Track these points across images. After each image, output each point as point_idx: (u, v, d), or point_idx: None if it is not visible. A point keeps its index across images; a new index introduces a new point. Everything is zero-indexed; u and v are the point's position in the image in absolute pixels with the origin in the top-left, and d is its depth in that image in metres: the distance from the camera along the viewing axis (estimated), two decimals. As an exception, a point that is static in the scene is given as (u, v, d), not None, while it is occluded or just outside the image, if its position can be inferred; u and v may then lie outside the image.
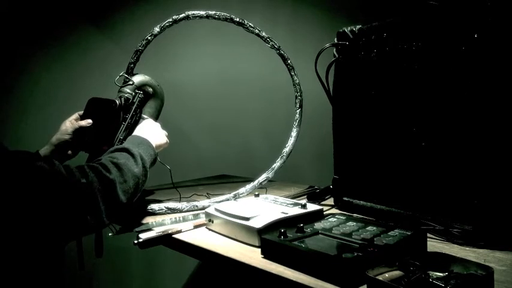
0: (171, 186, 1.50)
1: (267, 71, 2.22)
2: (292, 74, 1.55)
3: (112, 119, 1.33)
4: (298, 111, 1.54)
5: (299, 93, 1.54)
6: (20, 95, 1.99)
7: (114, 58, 1.99)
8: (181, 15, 1.48)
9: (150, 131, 1.26)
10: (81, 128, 1.30)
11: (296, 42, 2.38)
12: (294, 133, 1.54)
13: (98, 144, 1.31)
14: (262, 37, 1.53)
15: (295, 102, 1.54)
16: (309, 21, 2.43)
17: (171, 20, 1.47)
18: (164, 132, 1.33)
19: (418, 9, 1.09)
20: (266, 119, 2.30)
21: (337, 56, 1.32)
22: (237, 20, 1.51)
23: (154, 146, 1.21)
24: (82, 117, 1.33)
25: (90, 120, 1.31)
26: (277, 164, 1.51)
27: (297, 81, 1.54)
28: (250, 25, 1.52)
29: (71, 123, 1.31)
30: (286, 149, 1.53)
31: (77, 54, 2.08)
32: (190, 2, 2.15)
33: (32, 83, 2.01)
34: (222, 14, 1.51)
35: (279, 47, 1.54)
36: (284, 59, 1.55)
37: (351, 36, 1.27)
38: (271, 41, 1.53)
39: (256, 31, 1.52)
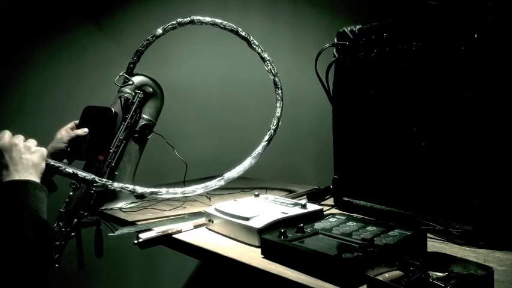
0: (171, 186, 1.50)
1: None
2: (278, 105, 1.49)
3: (108, 127, 1.33)
4: (263, 144, 1.46)
5: (275, 127, 1.46)
6: (17, 96, 1.99)
7: (114, 58, 1.99)
8: (186, 20, 1.46)
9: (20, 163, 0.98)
10: (77, 136, 1.29)
11: (296, 42, 2.38)
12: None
13: (94, 152, 1.30)
14: (262, 58, 1.50)
15: (268, 137, 1.46)
16: (309, 21, 2.43)
17: (175, 22, 1.46)
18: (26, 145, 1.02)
19: (418, 9, 1.09)
20: (266, 119, 2.29)
21: (337, 56, 1.32)
22: (243, 34, 1.48)
23: (36, 174, 1.00)
24: (78, 126, 1.32)
25: (86, 129, 1.30)
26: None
27: (278, 115, 1.48)
28: (254, 42, 1.49)
29: (66, 132, 1.30)
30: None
31: (76, 54, 2.07)
32: (191, 2, 2.15)
33: (30, 83, 2.00)
34: (229, 24, 1.48)
35: (276, 73, 1.49)
36: (276, 87, 1.50)
37: (351, 36, 1.27)
38: (271, 64, 1.49)
39: (259, 50, 1.50)
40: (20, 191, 0.93)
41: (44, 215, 0.93)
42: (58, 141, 1.27)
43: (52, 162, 1.08)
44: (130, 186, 1.22)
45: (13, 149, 0.97)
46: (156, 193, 1.26)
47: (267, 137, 1.46)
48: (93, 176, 1.14)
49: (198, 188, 1.31)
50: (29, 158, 0.99)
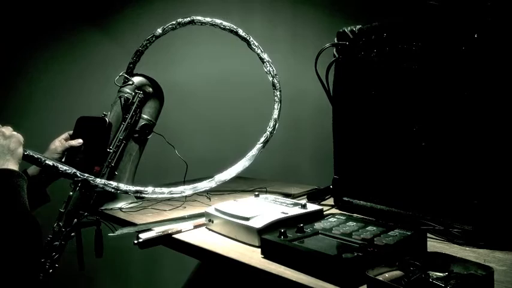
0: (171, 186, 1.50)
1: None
2: (276, 107, 1.49)
3: (103, 137, 1.32)
4: (259, 146, 1.46)
5: (271, 129, 1.47)
6: (18, 96, 1.99)
7: (114, 58, 1.99)
8: (186, 20, 1.45)
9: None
10: (72, 147, 1.27)
11: (296, 42, 2.38)
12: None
13: (89, 163, 1.29)
14: (262, 59, 1.50)
15: (263, 139, 1.46)
16: (309, 21, 2.43)
17: (175, 23, 1.46)
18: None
19: (418, 9, 1.09)
20: (266, 119, 2.30)
21: (337, 56, 1.32)
22: (243, 34, 1.48)
23: (14, 161, 0.98)
24: (72, 137, 1.30)
25: (81, 140, 1.28)
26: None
27: (275, 117, 1.48)
28: (254, 43, 1.49)
29: (60, 142, 1.28)
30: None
31: (76, 54, 2.08)
32: (191, 2, 2.15)
33: (31, 83, 2.01)
34: (228, 24, 1.47)
35: (275, 75, 1.49)
36: (275, 88, 1.51)
37: (351, 36, 1.27)
38: (270, 65, 1.49)
39: (258, 51, 1.49)
40: (1, 183, 0.90)
41: (26, 205, 0.90)
42: (52, 152, 1.26)
43: (31, 152, 1.04)
44: (114, 184, 1.17)
45: None
46: (141, 192, 1.21)
47: (262, 139, 1.45)
48: (74, 170, 1.11)
49: (187, 189, 1.29)
50: (5, 144, 0.96)
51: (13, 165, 0.95)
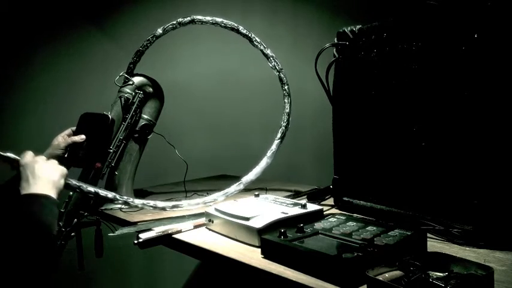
0: (167, 185, 1.50)
1: (267, 71, 2.22)
2: (286, 101, 1.50)
3: (105, 133, 1.33)
4: (277, 142, 1.48)
5: (286, 123, 1.48)
6: (18, 96, 1.99)
7: (114, 58, 1.99)
8: (187, 19, 1.45)
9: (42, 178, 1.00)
10: (74, 143, 1.28)
11: (296, 42, 2.38)
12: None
13: (91, 159, 1.30)
14: (266, 55, 1.49)
15: (280, 135, 1.49)
16: (309, 21, 2.43)
17: (175, 22, 1.45)
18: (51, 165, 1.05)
19: (418, 9, 1.09)
20: (266, 119, 2.30)
21: (337, 56, 1.32)
22: (244, 32, 1.48)
23: (54, 191, 1.01)
24: (75, 133, 1.30)
25: (83, 136, 1.28)
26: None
27: (287, 111, 1.50)
28: (256, 39, 1.49)
29: (63, 138, 1.28)
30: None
31: (76, 54, 2.08)
32: (191, 1, 2.15)
33: (31, 83, 2.00)
34: (229, 23, 1.47)
35: (281, 69, 1.49)
36: (282, 83, 1.51)
37: (351, 36, 1.27)
38: (274, 60, 1.49)
39: (261, 47, 1.49)
40: (37, 204, 0.95)
41: (54, 230, 0.95)
42: (55, 148, 1.26)
43: (73, 182, 1.11)
44: (152, 202, 1.26)
45: (35, 166, 0.99)
46: (177, 206, 1.30)
47: (279, 135, 1.48)
48: (114, 194, 1.19)
49: (219, 196, 1.35)
50: (50, 175, 1.01)
51: (53, 194, 1.00)
